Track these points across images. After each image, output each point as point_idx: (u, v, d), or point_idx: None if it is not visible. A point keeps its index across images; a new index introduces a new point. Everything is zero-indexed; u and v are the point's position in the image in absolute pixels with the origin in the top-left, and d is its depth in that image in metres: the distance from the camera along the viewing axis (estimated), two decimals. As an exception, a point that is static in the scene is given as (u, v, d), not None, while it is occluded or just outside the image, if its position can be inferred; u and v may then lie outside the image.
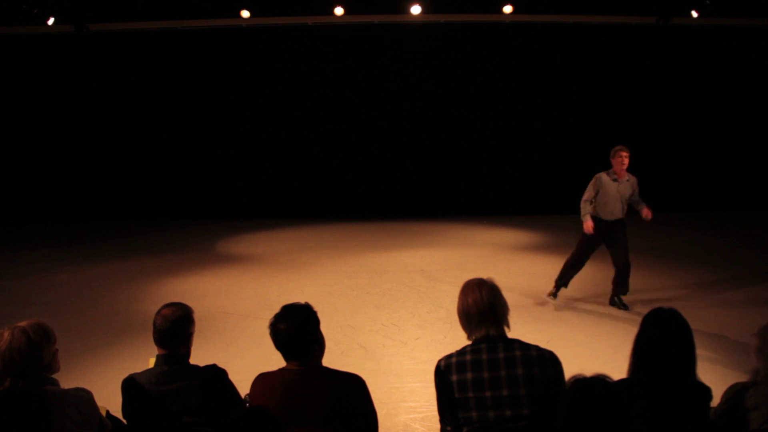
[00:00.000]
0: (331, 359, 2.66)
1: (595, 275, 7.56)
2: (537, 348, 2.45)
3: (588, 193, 6.15)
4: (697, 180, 12.83)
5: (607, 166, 6.16)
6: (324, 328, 2.57)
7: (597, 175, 6.14)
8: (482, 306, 2.46)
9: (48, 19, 11.36)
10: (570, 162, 12.67)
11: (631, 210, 6.24)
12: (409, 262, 8.42)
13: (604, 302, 6.41)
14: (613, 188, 6.03)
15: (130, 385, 2.55)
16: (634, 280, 7.24)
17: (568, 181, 12.65)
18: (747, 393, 2.28)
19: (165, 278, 7.81)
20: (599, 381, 1.87)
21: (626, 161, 5.97)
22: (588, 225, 6.09)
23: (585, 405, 1.82)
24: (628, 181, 6.07)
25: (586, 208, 6.13)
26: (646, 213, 6.09)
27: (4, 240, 11.26)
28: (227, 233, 11.14)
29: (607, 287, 6.97)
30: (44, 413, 2.08)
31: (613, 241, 6.13)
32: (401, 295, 6.81)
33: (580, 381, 1.89)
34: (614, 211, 6.07)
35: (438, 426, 2.58)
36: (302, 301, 2.58)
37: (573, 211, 13.04)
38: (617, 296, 6.25)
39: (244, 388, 2.63)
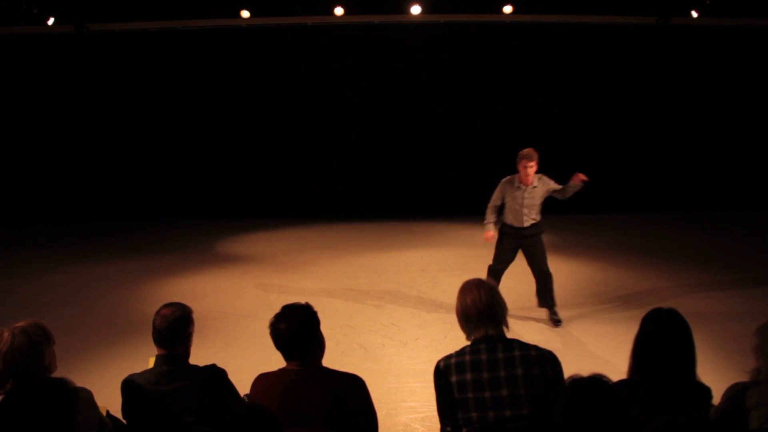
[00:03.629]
0: (331, 359, 2.66)
1: (594, 275, 7.57)
2: (536, 348, 2.45)
3: (492, 200, 5.86)
4: (697, 180, 12.82)
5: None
6: (324, 328, 2.57)
7: (503, 180, 5.79)
8: (481, 306, 2.46)
9: (48, 19, 11.35)
10: (570, 161, 12.66)
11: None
12: (409, 262, 8.42)
13: (603, 302, 6.41)
14: (518, 196, 5.64)
15: (129, 386, 2.55)
16: (635, 280, 7.26)
17: (568, 180, 12.66)
18: (747, 392, 2.28)
19: (165, 278, 7.81)
20: (597, 381, 1.87)
21: (530, 171, 5.49)
22: (486, 235, 5.88)
23: (582, 405, 1.82)
24: (535, 187, 5.62)
25: (488, 217, 5.89)
26: (579, 179, 5.57)
27: (4, 240, 11.26)
28: (227, 233, 11.14)
29: (607, 288, 6.99)
30: (57, 411, 2.06)
31: (528, 249, 5.79)
32: (401, 295, 6.81)
33: (577, 381, 1.88)
34: (520, 219, 5.69)
35: (438, 426, 2.59)
36: (302, 301, 2.58)
37: (573, 211, 13.05)
38: (551, 312, 5.82)
39: (244, 388, 2.63)
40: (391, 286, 7.22)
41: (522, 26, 12.16)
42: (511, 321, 2.55)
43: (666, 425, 1.86)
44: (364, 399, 2.49)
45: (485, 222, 5.92)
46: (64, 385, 2.02)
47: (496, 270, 5.94)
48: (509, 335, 2.51)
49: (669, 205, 12.76)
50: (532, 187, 5.64)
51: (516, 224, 5.74)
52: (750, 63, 12.43)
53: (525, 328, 5.52)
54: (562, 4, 11.72)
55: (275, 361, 2.53)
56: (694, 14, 11.47)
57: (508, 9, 11.24)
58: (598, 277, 7.49)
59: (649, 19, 12.11)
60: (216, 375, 2.61)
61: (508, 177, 5.79)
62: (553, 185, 5.75)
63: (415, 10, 11.09)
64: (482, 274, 5.89)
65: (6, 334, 2.32)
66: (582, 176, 5.66)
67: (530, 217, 5.71)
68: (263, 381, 2.51)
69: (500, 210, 5.90)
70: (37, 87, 12.73)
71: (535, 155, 5.54)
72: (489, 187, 5.97)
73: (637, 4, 11.77)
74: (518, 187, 5.66)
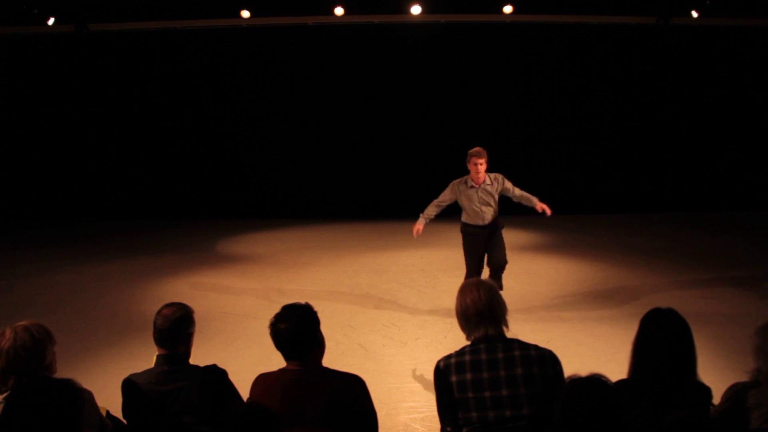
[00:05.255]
0: (331, 359, 2.66)
1: (594, 275, 7.57)
2: (536, 347, 2.44)
3: (439, 198, 5.91)
4: (697, 180, 12.83)
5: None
6: (324, 328, 2.57)
7: (452, 183, 5.81)
8: (480, 306, 2.45)
9: (48, 19, 11.36)
10: (570, 162, 12.68)
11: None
12: (409, 262, 8.42)
13: (603, 302, 6.41)
14: (474, 196, 5.70)
15: (130, 386, 2.55)
16: (635, 280, 7.25)
17: (568, 180, 12.67)
18: (748, 393, 2.28)
19: (165, 278, 7.81)
20: (596, 380, 1.87)
21: (480, 168, 5.56)
22: (415, 228, 5.93)
23: (581, 405, 1.82)
24: (490, 184, 5.69)
25: (428, 210, 5.95)
26: (542, 208, 5.76)
27: (4, 240, 11.26)
28: (227, 233, 11.14)
29: (607, 288, 6.99)
30: (63, 411, 2.06)
31: (490, 245, 5.81)
32: (401, 295, 6.81)
33: (576, 381, 1.88)
34: (481, 217, 5.74)
35: (438, 426, 2.59)
36: (302, 301, 2.58)
37: (574, 211, 13.00)
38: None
39: (244, 388, 2.63)
40: (391, 286, 7.23)
41: (522, 26, 12.16)
42: (510, 321, 2.55)
43: (680, 420, 1.86)
44: (364, 399, 2.49)
45: (422, 214, 5.97)
46: (70, 385, 2.02)
47: (474, 273, 5.88)
48: (509, 335, 2.51)
49: (669, 205, 12.76)
50: (486, 185, 5.70)
51: (477, 222, 5.80)
52: (749, 63, 12.43)
53: (525, 327, 5.52)
54: (562, 4, 11.72)
55: (275, 361, 2.53)
56: (694, 14, 11.47)
57: (508, 9, 11.25)
58: (598, 277, 7.49)
59: (649, 19, 12.12)
60: (216, 375, 2.61)
61: (459, 179, 5.82)
62: (509, 186, 5.81)
63: (415, 10, 11.09)
64: (482, 275, 5.91)
65: (8, 332, 2.33)
66: (548, 211, 5.81)
67: (488, 215, 5.76)
68: (263, 381, 2.51)
69: (448, 209, 5.98)
70: (37, 87, 12.73)
71: (484, 152, 5.61)
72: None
73: (637, 4, 11.77)
74: (471, 187, 5.71)
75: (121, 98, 12.77)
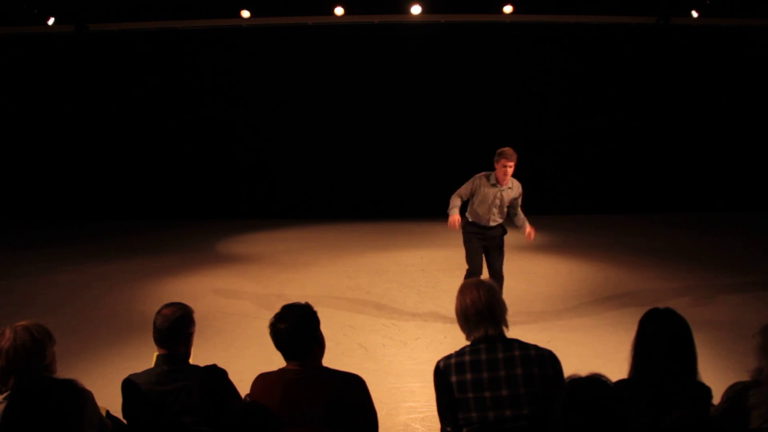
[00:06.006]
0: (331, 359, 2.66)
1: (595, 275, 7.57)
2: (536, 347, 2.45)
3: (462, 189, 5.65)
4: (697, 180, 12.83)
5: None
6: (324, 328, 2.57)
7: (478, 175, 5.60)
8: (480, 306, 2.45)
9: (48, 19, 11.36)
10: (570, 162, 12.68)
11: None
12: (409, 262, 8.42)
13: (603, 302, 6.41)
14: (490, 194, 5.51)
15: (129, 386, 2.55)
16: (635, 280, 7.26)
17: (568, 180, 12.68)
18: (749, 392, 2.28)
19: (165, 278, 7.81)
20: (595, 380, 1.87)
21: (509, 170, 5.39)
22: (452, 219, 5.58)
23: (581, 404, 1.82)
24: (510, 188, 5.55)
25: (454, 201, 5.67)
26: (528, 232, 5.66)
27: (4, 240, 11.26)
28: (227, 233, 11.14)
29: (607, 288, 6.99)
30: (66, 412, 2.06)
31: (490, 249, 5.66)
32: (401, 295, 6.81)
33: (576, 381, 1.88)
34: (487, 217, 5.57)
35: (438, 426, 2.59)
36: (302, 301, 2.58)
37: (574, 211, 12.99)
38: None
39: (244, 388, 2.63)
40: (391, 286, 7.22)
41: (522, 26, 12.16)
42: (510, 321, 2.55)
43: (680, 420, 1.86)
44: (364, 399, 2.49)
45: (451, 207, 5.70)
46: (72, 386, 2.02)
47: (474, 276, 5.70)
48: (509, 335, 2.51)
49: (669, 205, 12.76)
50: (507, 188, 5.56)
51: (481, 223, 5.65)
52: (750, 63, 12.43)
53: (525, 327, 5.52)
54: (562, 4, 11.72)
55: (275, 361, 2.53)
56: (694, 14, 11.47)
57: (508, 9, 11.25)
58: (598, 277, 7.49)
59: (649, 19, 12.12)
60: (216, 375, 2.61)
61: (483, 173, 5.63)
62: (519, 200, 5.71)
63: (415, 10, 11.09)
64: (482, 275, 5.89)
65: (8, 332, 2.33)
66: (532, 236, 5.73)
67: (496, 217, 5.63)
68: (263, 381, 2.51)
69: (463, 206, 5.78)
70: (37, 87, 12.73)
71: (515, 156, 5.43)
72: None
73: (637, 4, 11.77)
74: (493, 185, 5.52)
75: (121, 98, 12.76)
